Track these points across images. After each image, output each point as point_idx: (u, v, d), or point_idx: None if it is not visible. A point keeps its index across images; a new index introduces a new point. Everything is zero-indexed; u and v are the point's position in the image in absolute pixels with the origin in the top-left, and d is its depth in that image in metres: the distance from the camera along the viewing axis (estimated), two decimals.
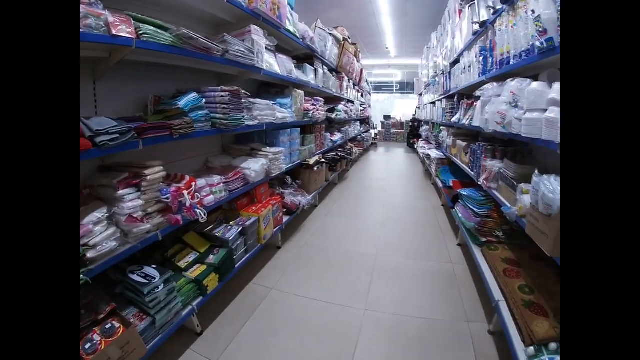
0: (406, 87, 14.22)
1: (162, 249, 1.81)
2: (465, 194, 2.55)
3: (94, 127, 1.18)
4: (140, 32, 1.34)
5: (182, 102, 1.68)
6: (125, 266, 1.50)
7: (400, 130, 12.35)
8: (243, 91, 2.05)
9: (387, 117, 12.92)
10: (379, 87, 14.94)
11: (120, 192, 1.30)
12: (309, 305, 2.01)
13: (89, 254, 1.17)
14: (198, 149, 2.41)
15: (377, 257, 2.64)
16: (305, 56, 3.60)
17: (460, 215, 2.60)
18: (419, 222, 3.50)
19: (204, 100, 1.81)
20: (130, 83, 1.80)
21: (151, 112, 1.76)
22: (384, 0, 5.89)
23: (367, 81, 9.56)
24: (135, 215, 1.32)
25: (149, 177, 1.38)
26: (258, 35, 2.26)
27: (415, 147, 8.00)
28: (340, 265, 2.51)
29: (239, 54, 2.02)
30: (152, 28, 1.39)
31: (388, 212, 3.85)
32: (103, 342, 1.19)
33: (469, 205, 2.45)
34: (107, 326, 1.26)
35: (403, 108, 13.76)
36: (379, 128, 12.86)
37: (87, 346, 1.16)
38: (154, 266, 1.55)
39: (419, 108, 8.95)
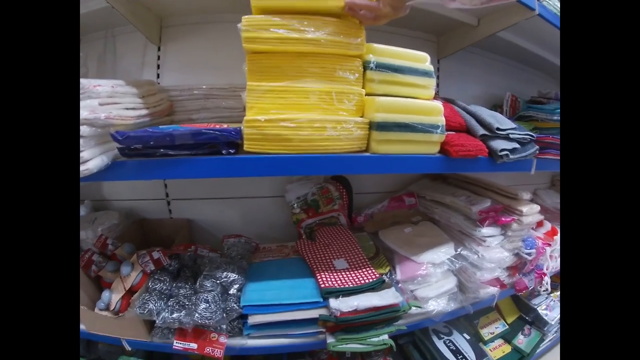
0: None
1: None
2: None
3: (493, 123, 0.75)
4: None
5: None
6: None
7: None
8: None
9: None
10: None
11: (485, 230, 0.83)
12: None
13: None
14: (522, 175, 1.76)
15: None
16: None
17: None
18: None
19: None
20: (477, 70, 1.38)
21: (506, 114, 1.26)
22: None
23: None
24: (496, 274, 0.83)
25: (524, 218, 0.85)
26: None
27: None
28: None
29: None
30: None
31: None
32: None
33: None
34: None
35: None
36: None
37: None
38: (466, 336, 1.05)
39: None
